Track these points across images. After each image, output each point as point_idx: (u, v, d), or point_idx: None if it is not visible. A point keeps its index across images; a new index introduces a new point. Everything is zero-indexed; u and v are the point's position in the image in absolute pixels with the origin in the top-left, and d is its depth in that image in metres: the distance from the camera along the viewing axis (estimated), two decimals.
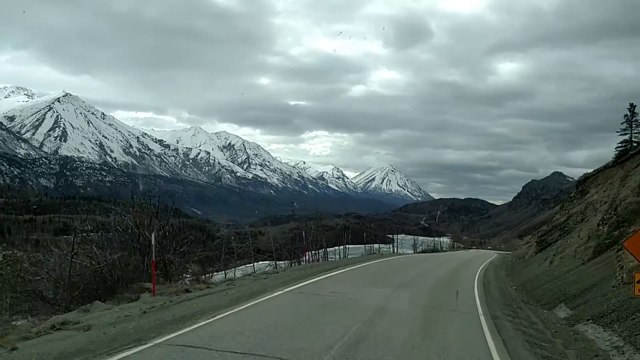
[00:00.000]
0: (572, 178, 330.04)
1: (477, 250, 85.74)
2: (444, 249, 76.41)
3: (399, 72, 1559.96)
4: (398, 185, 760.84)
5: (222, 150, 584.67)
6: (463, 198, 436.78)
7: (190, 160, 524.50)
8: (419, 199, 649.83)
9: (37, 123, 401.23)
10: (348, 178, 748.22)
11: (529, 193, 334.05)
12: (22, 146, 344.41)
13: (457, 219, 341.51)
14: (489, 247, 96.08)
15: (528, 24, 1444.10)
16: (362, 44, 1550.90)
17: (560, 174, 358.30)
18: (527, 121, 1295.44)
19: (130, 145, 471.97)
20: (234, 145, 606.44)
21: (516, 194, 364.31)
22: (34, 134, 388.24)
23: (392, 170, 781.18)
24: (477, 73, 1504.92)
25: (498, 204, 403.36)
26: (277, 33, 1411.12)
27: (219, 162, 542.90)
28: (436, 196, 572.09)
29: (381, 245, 55.01)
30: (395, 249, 52.01)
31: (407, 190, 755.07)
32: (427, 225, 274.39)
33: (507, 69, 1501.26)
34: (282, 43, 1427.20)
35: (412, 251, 61.96)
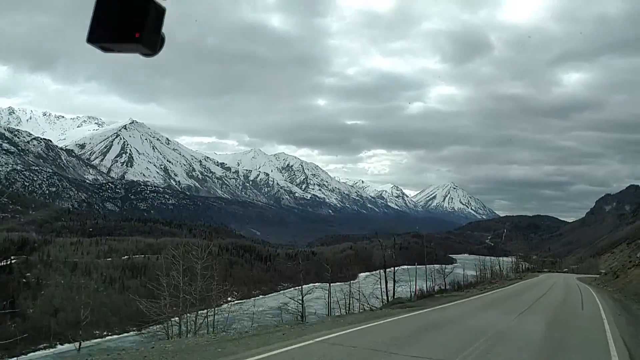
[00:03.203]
0: None
1: (549, 276, 65.19)
2: (503, 275, 54.48)
3: (458, 87, 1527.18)
4: (461, 203, 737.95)
5: (280, 172, 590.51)
6: (531, 215, 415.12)
7: (250, 182, 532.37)
8: (484, 217, 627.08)
9: (105, 150, 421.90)
10: (408, 196, 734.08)
11: (603, 208, 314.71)
12: (91, 172, 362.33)
13: (526, 237, 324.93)
14: (564, 270, 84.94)
15: (595, 31, 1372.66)
16: (419, 60, 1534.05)
17: (637, 187, 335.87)
18: (596, 133, 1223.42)
19: (193, 169, 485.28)
20: (292, 166, 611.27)
21: (589, 209, 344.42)
22: (102, 160, 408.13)
23: (454, 188, 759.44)
24: (541, 85, 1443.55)
25: (569, 220, 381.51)
26: (333, 54, 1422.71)
27: (277, 183, 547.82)
28: (502, 214, 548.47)
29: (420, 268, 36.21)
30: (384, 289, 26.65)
31: (471, 208, 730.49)
32: (492, 244, 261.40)
33: (573, 80, 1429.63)
34: (338, 63, 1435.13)
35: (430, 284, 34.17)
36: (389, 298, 25.46)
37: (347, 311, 22.06)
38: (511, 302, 23.75)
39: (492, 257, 71.82)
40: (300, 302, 21.62)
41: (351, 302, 24.46)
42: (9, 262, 52.75)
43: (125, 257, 69.58)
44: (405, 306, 20.31)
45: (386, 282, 31.65)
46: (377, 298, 26.08)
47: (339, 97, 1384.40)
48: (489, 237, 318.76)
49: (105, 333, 43.81)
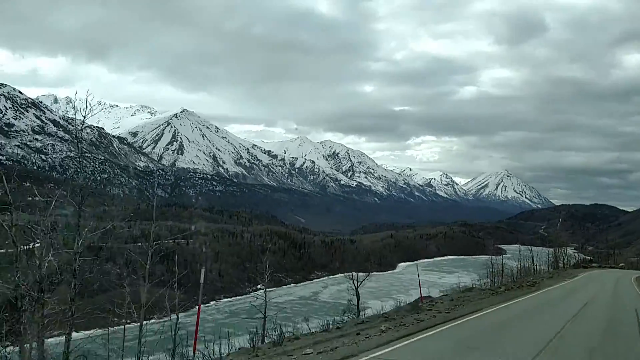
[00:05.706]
0: None
1: (597, 275, 43.63)
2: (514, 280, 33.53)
3: (513, 70, 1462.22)
4: (515, 191, 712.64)
5: (326, 159, 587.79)
6: (588, 204, 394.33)
7: (296, 170, 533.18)
8: (539, 205, 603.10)
9: (156, 138, 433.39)
10: (458, 184, 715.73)
11: None
12: (142, 159, 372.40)
13: (582, 227, 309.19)
14: (621, 265, 73.12)
15: None
16: (471, 42, 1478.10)
17: None
18: None
19: (241, 157, 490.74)
20: (338, 153, 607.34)
21: None
22: (153, 148, 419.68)
23: (508, 176, 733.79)
24: (600, 67, 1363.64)
25: (630, 210, 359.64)
26: (380, 38, 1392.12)
27: (323, 171, 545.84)
28: (558, 202, 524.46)
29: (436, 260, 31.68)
30: None
31: (525, 197, 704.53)
32: (546, 234, 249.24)
33: (635, 61, 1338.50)
34: (386, 48, 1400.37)
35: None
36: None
37: None
38: None
39: (543, 248, 65.66)
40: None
41: None
42: (32, 247, 52.13)
43: (155, 243, 68.32)
44: None
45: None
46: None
47: (386, 83, 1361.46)
48: (542, 227, 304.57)
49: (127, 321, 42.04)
